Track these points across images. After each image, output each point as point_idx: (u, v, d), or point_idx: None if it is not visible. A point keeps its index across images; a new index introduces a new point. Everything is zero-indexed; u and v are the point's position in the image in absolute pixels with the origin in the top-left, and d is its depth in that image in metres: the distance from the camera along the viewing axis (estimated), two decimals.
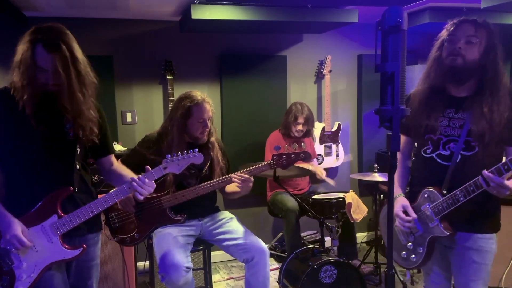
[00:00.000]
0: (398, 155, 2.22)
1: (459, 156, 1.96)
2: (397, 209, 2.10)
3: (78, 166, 1.97)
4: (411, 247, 2.12)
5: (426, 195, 2.04)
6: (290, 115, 3.91)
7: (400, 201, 2.12)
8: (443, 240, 2.05)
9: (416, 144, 2.19)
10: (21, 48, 1.83)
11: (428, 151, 2.07)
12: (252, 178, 2.69)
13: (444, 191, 1.98)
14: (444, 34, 1.99)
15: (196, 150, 2.14)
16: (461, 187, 1.88)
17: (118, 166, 2.22)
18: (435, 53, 2.01)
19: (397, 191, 2.17)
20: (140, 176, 1.97)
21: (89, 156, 2.11)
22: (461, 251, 2.01)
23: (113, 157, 2.21)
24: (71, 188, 1.91)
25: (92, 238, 2.07)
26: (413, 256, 2.12)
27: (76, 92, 1.85)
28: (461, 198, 1.89)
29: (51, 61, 1.79)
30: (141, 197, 1.96)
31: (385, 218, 2.31)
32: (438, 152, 2.03)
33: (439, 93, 2.02)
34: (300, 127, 3.92)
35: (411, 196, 2.14)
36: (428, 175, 2.07)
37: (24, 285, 1.84)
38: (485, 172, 1.78)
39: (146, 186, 1.95)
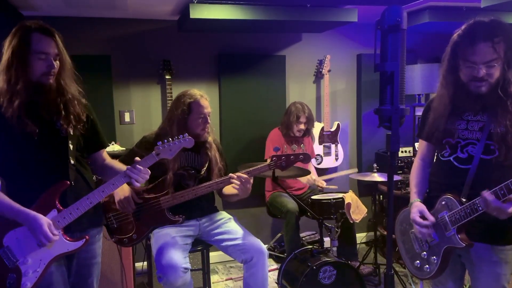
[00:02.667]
0: (418, 161, 2.17)
1: (478, 160, 1.87)
2: (414, 214, 2.00)
3: (72, 161, 1.98)
4: (425, 257, 2.03)
5: (443, 203, 1.94)
6: (291, 115, 3.89)
7: (417, 206, 2.02)
8: (458, 250, 1.97)
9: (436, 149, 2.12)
10: (11, 45, 1.84)
11: (446, 154, 1.98)
12: (251, 180, 2.66)
13: (463, 199, 1.88)
14: (461, 50, 1.84)
15: (186, 134, 2.18)
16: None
17: (111, 161, 2.24)
18: (453, 70, 1.89)
19: (414, 196, 2.08)
20: (135, 164, 2.01)
21: (83, 153, 2.12)
22: (479, 263, 1.93)
23: (105, 153, 2.24)
24: (67, 182, 1.92)
25: (93, 236, 2.08)
26: (427, 266, 2.02)
27: (70, 75, 1.96)
28: (480, 208, 1.78)
29: (52, 44, 1.86)
30: (138, 184, 2.01)
31: (400, 224, 2.22)
32: (455, 155, 1.94)
33: (459, 101, 1.93)
34: (302, 126, 3.92)
35: (429, 202, 2.03)
36: (447, 179, 1.98)
37: (31, 280, 1.86)
38: (484, 193, 1.71)
39: (142, 174, 2.00)
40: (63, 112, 1.93)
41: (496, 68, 1.79)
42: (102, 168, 2.22)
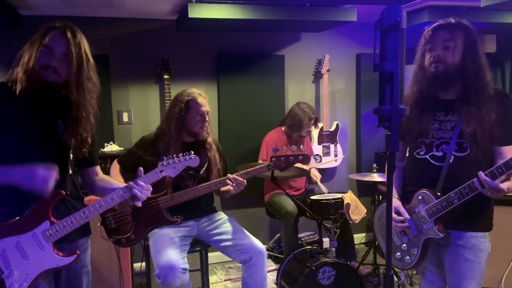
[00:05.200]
0: None
1: (452, 157, 1.99)
2: None
3: (70, 171, 1.91)
4: (406, 248, 2.14)
5: (420, 197, 2.06)
6: (302, 117, 3.84)
7: (393, 202, 2.11)
8: (436, 239, 2.07)
9: (408, 147, 2.22)
10: (33, 39, 1.82)
11: (422, 153, 2.10)
12: (245, 182, 2.68)
13: (438, 193, 2.00)
14: (422, 42, 2.03)
15: (192, 152, 2.11)
16: (455, 190, 1.91)
17: (104, 176, 2.14)
18: (419, 61, 2.05)
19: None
20: (137, 180, 1.92)
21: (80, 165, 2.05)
22: (454, 249, 2.03)
23: (98, 168, 2.13)
24: (63, 192, 1.82)
25: (82, 245, 1.99)
26: (408, 257, 2.14)
27: (85, 83, 1.85)
28: (455, 201, 1.92)
29: (61, 41, 1.79)
30: (139, 203, 1.93)
31: (379, 219, 2.36)
32: (431, 153, 2.06)
33: (428, 97, 2.04)
34: (313, 127, 3.93)
35: (405, 197, 2.16)
36: (422, 176, 2.09)
37: None
38: (481, 174, 1.80)
39: (145, 191, 1.91)
40: (71, 128, 1.85)
41: (451, 51, 1.94)
42: (93, 183, 2.10)
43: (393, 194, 2.14)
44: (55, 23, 1.82)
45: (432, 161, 2.05)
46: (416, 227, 2.08)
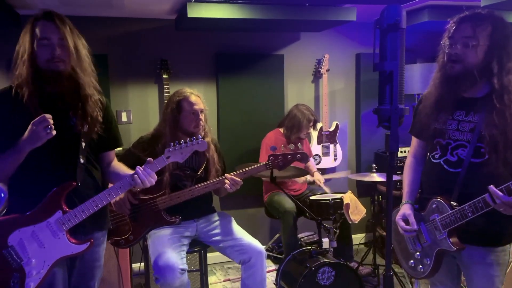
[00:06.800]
0: (410, 159, 2.15)
1: (468, 163, 1.84)
2: (398, 217, 2.03)
3: (82, 160, 1.93)
4: (419, 257, 2.03)
5: (434, 206, 1.94)
6: (302, 119, 3.82)
7: (403, 208, 2.04)
8: (450, 252, 1.96)
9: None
10: (21, 37, 1.84)
11: (436, 156, 1.96)
12: (241, 182, 2.67)
13: (453, 203, 1.86)
14: (445, 36, 1.85)
15: (200, 137, 2.11)
16: (470, 203, 1.76)
17: (117, 163, 2.18)
18: (441, 58, 1.88)
19: (405, 197, 2.08)
20: (144, 166, 1.96)
21: (96, 149, 2.05)
22: (473, 265, 1.92)
23: (113, 153, 2.17)
24: (74, 183, 1.88)
25: (98, 238, 2.05)
26: (421, 266, 2.03)
27: (85, 64, 1.89)
28: (469, 214, 1.77)
29: (55, 29, 1.82)
30: (141, 186, 1.94)
31: (394, 224, 2.20)
32: (445, 158, 1.92)
33: (449, 95, 1.87)
34: (311, 128, 3.92)
35: (421, 203, 2.04)
36: (437, 182, 1.97)
37: (34, 281, 1.86)
38: (491, 188, 1.66)
39: (149, 178, 1.95)
40: (80, 111, 1.89)
41: (472, 49, 1.76)
42: (106, 168, 2.14)
43: (406, 199, 2.07)
44: (38, 14, 1.85)
45: (445, 166, 1.91)
46: (430, 236, 1.97)
